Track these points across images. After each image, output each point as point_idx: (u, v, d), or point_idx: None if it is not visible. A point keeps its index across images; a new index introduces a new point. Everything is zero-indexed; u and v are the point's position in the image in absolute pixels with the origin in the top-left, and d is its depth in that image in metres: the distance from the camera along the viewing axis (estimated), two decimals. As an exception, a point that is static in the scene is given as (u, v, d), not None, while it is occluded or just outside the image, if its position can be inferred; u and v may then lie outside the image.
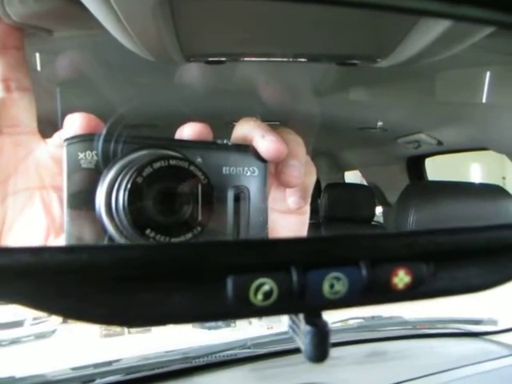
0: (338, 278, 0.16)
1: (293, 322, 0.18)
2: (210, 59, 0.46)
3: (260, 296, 0.15)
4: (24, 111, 0.25)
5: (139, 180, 0.21)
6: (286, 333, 0.22)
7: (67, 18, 0.32)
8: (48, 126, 0.27)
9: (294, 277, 0.15)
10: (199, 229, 0.22)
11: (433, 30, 0.31)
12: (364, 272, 0.16)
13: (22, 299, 0.14)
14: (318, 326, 0.17)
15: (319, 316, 0.17)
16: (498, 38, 0.39)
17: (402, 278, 0.16)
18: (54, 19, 0.32)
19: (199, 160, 0.24)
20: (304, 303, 0.16)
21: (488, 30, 0.31)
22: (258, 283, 0.15)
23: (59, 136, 0.24)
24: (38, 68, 0.59)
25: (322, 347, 0.16)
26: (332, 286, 0.16)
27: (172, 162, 0.22)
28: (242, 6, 0.31)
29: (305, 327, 0.17)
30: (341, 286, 0.16)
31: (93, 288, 0.15)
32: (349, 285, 0.16)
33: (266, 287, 0.15)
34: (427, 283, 0.17)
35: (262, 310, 0.15)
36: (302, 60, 0.46)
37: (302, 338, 0.17)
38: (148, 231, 0.21)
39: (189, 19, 0.36)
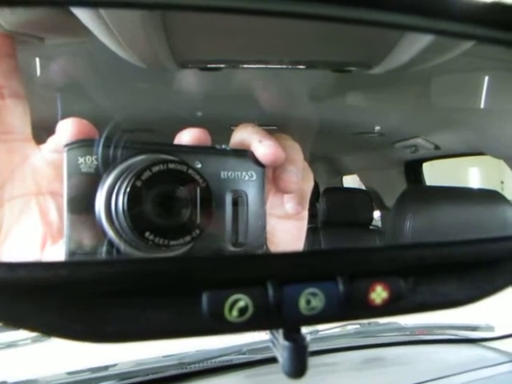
0: (314, 294, 0.16)
1: (273, 335, 0.18)
2: (207, 66, 0.46)
3: (235, 312, 0.15)
4: (18, 118, 0.25)
5: (138, 184, 0.21)
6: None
7: (58, 26, 0.32)
8: (42, 132, 0.27)
9: (270, 292, 0.15)
10: (197, 231, 0.22)
11: (421, 39, 0.31)
12: (341, 288, 0.16)
13: (-6, 315, 0.14)
14: (297, 341, 0.17)
15: (298, 331, 0.17)
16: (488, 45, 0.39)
17: (379, 294, 0.16)
18: (45, 27, 0.32)
19: (198, 164, 0.24)
20: (280, 319, 0.16)
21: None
22: (233, 299, 0.15)
23: (54, 141, 0.24)
24: (38, 73, 0.59)
25: (299, 363, 0.16)
26: (308, 302, 0.16)
27: (171, 166, 0.22)
28: (236, 16, 0.31)
29: (283, 342, 0.17)
30: (317, 302, 0.16)
31: (69, 304, 0.15)
32: (325, 300, 0.16)
33: (241, 303, 0.15)
34: (406, 298, 0.17)
35: (238, 327, 0.15)
36: (299, 67, 0.46)
37: (281, 352, 0.17)
38: (147, 234, 0.21)
39: (181, 28, 0.36)
